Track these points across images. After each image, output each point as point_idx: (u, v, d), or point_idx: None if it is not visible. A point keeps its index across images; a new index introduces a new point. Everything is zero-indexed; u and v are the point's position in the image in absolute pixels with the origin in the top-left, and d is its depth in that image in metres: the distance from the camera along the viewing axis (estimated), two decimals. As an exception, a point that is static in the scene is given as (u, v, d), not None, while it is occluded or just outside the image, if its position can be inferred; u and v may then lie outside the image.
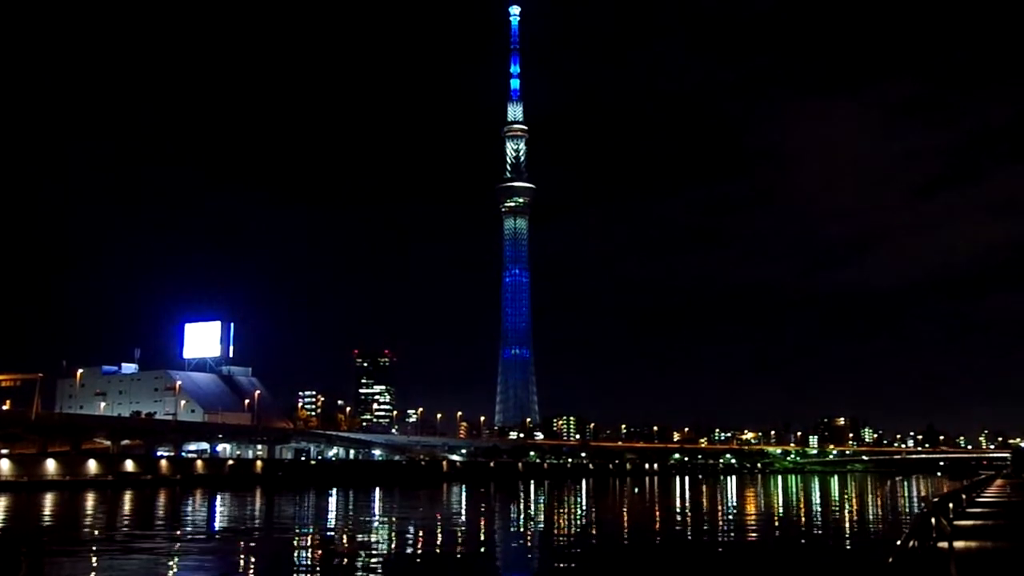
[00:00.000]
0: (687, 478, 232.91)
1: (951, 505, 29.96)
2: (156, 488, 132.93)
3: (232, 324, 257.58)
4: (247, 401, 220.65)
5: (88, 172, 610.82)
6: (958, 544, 22.69)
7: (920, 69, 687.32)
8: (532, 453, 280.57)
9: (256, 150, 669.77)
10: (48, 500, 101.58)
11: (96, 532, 62.94)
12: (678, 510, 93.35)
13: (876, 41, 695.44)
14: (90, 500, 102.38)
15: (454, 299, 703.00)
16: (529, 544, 57.06)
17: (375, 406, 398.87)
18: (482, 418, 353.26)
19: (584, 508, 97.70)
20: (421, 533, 62.12)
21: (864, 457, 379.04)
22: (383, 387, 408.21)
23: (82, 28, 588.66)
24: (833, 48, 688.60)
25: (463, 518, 78.96)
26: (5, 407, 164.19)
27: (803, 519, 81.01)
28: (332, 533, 63.00)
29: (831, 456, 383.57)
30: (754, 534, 64.38)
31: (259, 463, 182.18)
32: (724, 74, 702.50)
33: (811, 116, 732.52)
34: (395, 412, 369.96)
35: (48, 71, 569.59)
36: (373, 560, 47.27)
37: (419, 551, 51.28)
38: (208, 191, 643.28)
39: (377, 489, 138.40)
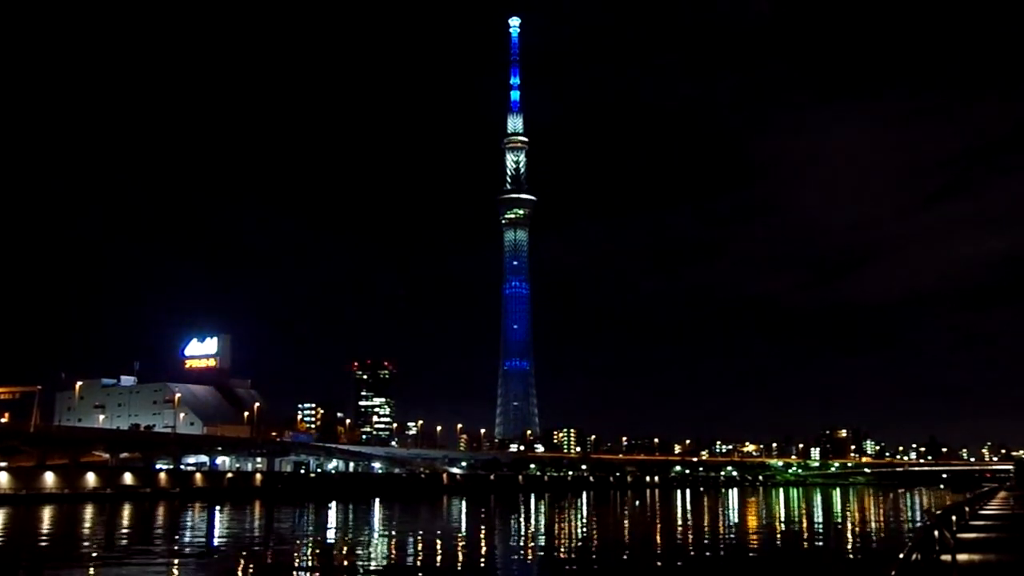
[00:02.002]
0: (688, 491, 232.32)
1: (954, 518, 29.91)
2: (155, 501, 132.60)
3: (231, 336, 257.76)
4: (246, 413, 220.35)
5: (86, 185, 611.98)
6: (961, 557, 22.64)
7: (921, 79, 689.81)
8: (533, 466, 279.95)
9: (254, 161, 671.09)
10: (47, 513, 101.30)
11: (94, 547, 62.76)
12: (679, 523, 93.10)
13: (877, 51, 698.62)
14: (89, 513, 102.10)
15: (454, 311, 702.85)
16: (530, 559, 56.89)
17: (375, 418, 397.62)
18: (482, 431, 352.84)
19: (585, 522, 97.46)
20: (421, 547, 61.95)
21: (866, 470, 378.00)
22: (383, 399, 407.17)
23: (84, 38, 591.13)
24: (834, 58, 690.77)
25: (463, 532, 78.76)
26: (4, 420, 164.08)
27: (805, 532, 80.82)
28: (331, 544, 62.83)
29: (833, 469, 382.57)
30: (756, 547, 64.21)
31: (258, 476, 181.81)
32: (726, 85, 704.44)
33: (812, 127, 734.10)
34: (395, 425, 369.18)
35: (45, 79, 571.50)
36: (372, 575, 47.11)
37: (419, 566, 51.11)
38: (208, 203, 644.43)
39: (377, 502, 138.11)
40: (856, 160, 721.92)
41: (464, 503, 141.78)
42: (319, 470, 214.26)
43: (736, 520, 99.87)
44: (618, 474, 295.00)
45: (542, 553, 59.59)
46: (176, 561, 52.42)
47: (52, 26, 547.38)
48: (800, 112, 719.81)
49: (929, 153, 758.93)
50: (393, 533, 76.40)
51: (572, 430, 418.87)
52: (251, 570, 49.74)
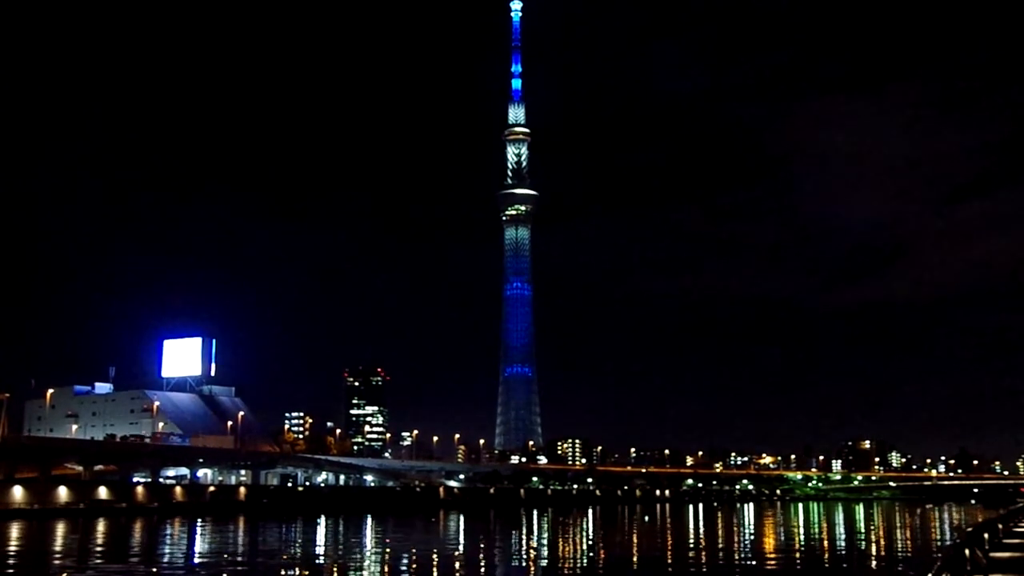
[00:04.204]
0: (701, 505, 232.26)
1: (986, 536, 29.79)
2: (132, 517, 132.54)
3: (214, 341, 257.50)
4: (230, 423, 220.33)
5: (61, 182, 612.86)
6: (994, 578, 22.48)
7: (949, 67, 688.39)
8: (535, 479, 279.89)
9: (241, 155, 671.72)
10: (15, 531, 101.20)
11: (66, 568, 62.65)
12: (692, 541, 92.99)
13: (901, 38, 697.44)
14: (60, 530, 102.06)
15: (452, 314, 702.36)
16: (532, 578, 56.82)
17: (367, 428, 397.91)
18: (481, 441, 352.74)
19: (591, 538, 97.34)
20: (416, 567, 61.83)
21: (891, 483, 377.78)
22: (375, 408, 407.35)
23: (69, 36, 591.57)
24: (854, 45, 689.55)
25: (461, 550, 78.66)
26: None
27: (827, 550, 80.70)
28: (320, 564, 62.75)
29: (856, 482, 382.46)
30: (774, 567, 64.08)
31: (242, 489, 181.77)
32: (739, 73, 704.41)
33: (832, 118, 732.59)
34: (388, 435, 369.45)
35: (29, 77, 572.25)
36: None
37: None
38: (189, 200, 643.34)
39: (369, 517, 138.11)
40: (878, 154, 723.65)
41: (462, 518, 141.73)
42: (307, 483, 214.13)
43: (752, 537, 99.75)
44: (626, 488, 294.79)
45: (545, 572, 59.51)
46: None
47: (48, 24, 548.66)
48: (819, 101, 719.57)
49: (957, 145, 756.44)
50: (386, 551, 76.30)
51: (577, 441, 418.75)
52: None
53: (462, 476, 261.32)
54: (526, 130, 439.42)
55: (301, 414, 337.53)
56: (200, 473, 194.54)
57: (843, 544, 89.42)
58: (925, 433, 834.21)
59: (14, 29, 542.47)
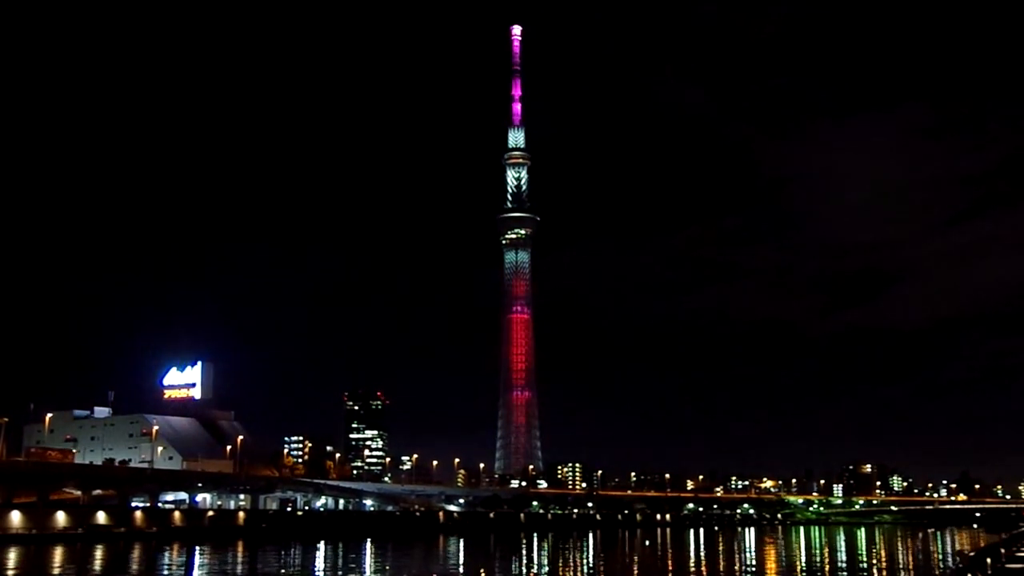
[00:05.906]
0: (702, 530, 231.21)
1: (989, 560, 29.69)
2: (130, 542, 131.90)
3: (214, 365, 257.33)
4: (229, 447, 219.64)
5: (62, 206, 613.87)
6: (998, 603, 22.38)
7: (948, 90, 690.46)
8: (535, 503, 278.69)
9: (237, 180, 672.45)
10: (12, 556, 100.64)
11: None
12: (692, 565, 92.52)
13: (898, 62, 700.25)
14: (58, 556, 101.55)
15: (452, 337, 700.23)
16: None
17: (366, 452, 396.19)
18: (481, 465, 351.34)
19: (591, 563, 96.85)
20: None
21: (893, 507, 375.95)
22: (375, 432, 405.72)
23: (64, 64, 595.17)
24: (853, 70, 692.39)
25: (461, 574, 78.24)
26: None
27: (828, 574, 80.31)
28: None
29: (857, 506, 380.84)
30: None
31: (241, 514, 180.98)
32: (738, 97, 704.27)
33: (832, 141, 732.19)
34: (388, 459, 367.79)
35: (32, 97, 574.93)
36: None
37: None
38: (189, 226, 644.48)
39: (368, 542, 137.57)
40: (878, 176, 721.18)
41: (462, 543, 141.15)
42: (307, 508, 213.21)
43: (753, 561, 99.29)
44: (626, 512, 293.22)
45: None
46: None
47: (32, 48, 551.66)
48: (817, 124, 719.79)
49: (956, 168, 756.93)
50: (385, 576, 75.90)
51: (577, 465, 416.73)
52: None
53: (462, 500, 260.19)
54: (526, 154, 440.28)
55: (300, 438, 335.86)
56: (199, 497, 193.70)
57: (845, 568, 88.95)
58: (926, 457, 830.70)
59: (22, 50, 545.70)
